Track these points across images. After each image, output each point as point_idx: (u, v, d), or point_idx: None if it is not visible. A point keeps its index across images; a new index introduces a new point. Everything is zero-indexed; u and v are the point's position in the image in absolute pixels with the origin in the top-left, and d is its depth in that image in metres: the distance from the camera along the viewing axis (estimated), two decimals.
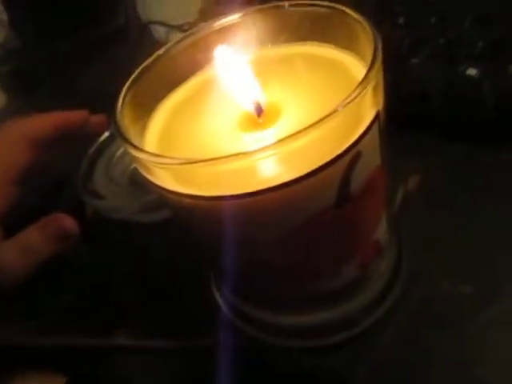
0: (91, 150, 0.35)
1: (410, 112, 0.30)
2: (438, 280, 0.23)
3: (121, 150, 0.36)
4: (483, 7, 0.31)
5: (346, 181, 0.16)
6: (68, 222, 0.28)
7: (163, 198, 0.18)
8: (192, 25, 0.48)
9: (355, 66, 0.18)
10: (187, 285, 0.27)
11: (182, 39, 0.21)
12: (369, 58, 0.16)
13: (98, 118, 0.34)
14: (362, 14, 0.18)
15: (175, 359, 0.25)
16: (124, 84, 0.19)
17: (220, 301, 0.25)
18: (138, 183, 0.33)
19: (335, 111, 0.14)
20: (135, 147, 0.16)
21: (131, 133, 0.18)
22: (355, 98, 0.15)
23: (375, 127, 0.16)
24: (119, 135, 0.17)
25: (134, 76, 0.19)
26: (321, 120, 0.14)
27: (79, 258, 0.31)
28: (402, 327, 0.22)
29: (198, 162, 0.15)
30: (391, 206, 0.26)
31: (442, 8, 0.33)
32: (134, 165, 0.18)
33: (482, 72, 0.28)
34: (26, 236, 0.28)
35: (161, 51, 0.20)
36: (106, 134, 0.35)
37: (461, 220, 0.25)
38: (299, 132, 0.14)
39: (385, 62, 0.16)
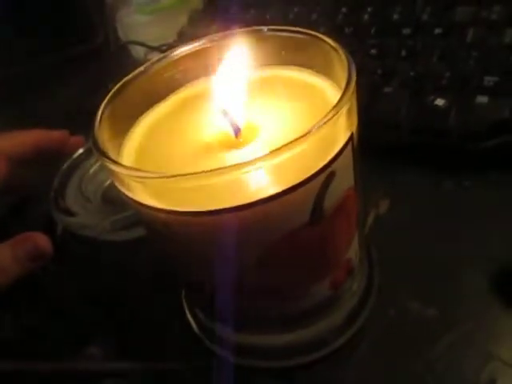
0: (64, 166, 0.34)
1: (382, 139, 0.31)
2: (406, 301, 0.24)
3: (94, 168, 0.35)
4: (449, 45, 0.33)
5: (319, 199, 0.16)
6: (42, 241, 0.27)
7: (139, 213, 0.18)
8: (170, 46, 0.49)
9: (330, 91, 0.19)
10: (157, 304, 0.27)
11: (161, 58, 0.21)
12: (343, 82, 0.16)
13: (76, 139, 0.34)
14: (338, 43, 0.19)
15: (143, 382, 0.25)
16: (102, 99, 0.19)
17: (191, 320, 0.25)
18: (111, 201, 0.33)
19: (309, 132, 0.15)
20: (112, 161, 0.16)
21: (108, 148, 0.18)
22: (329, 120, 0.15)
23: (349, 148, 0.16)
24: (96, 149, 0.17)
25: (113, 91, 0.19)
26: (295, 140, 0.14)
27: (47, 275, 0.30)
28: (372, 346, 0.22)
29: (174, 176, 0.15)
30: (363, 229, 0.27)
31: (412, 43, 0.34)
32: (111, 179, 0.18)
33: (449, 103, 0.29)
34: None
35: (142, 68, 0.20)
36: (80, 150, 0.35)
37: (427, 243, 0.26)
38: (274, 151, 0.14)
39: (358, 90, 0.17)
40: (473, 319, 0.22)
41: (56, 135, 0.34)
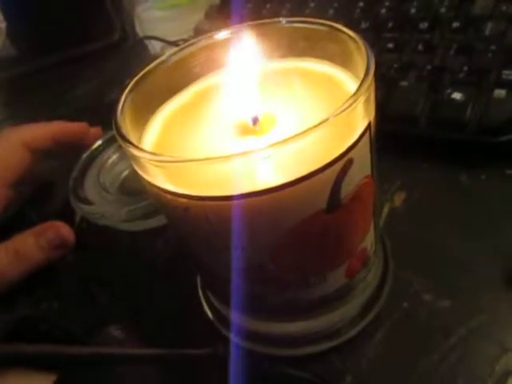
0: (83, 157, 0.35)
1: (398, 132, 0.31)
2: (420, 293, 0.24)
3: (112, 159, 0.36)
4: (466, 38, 0.33)
5: (337, 187, 0.16)
6: (64, 230, 0.28)
7: (158, 199, 0.18)
8: (187, 41, 0.49)
9: (348, 82, 0.19)
10: (172, 291, 0.27)
11: (181, 49, 0.22)
12: (362, 73, 0.17)
13: (95, 131, 0.35)
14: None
15: (157, 368, 0.25)
16: (123, 90, 0.19)
17: (206, 307, 0.25)
18: (127, 192, 0.34)
19: (327, 120, 0.15)
20: (134, 146, 0.16)
21: (129, 135, 0.18)
22: (346, 108, 0.15)
23: (367, 137, 0.17)
24: (119, 135, 0.17)
25: (134, 80, 0.19)
26: (313, 127, 0.15)
27: (64, 263, 0.31)
28: (387, 336, 0.23)
29: (194, 160, 0.15)
30: (378, 220, 0.27)
31: (429, 37, 0.34)
32: (131, 168, 0.19)
33: (466, 96, 0.29)
34: (20, 241, 0.28)
35: (163, 57, 0.21)
36: (99, 141, 0.36)
37: (442, 236, 0.26)
38: (292, 137, 0.15)
39: (376, 81, 0.17)
40: (487, 311, 0.22)
41: (76, 127, 0.35)
